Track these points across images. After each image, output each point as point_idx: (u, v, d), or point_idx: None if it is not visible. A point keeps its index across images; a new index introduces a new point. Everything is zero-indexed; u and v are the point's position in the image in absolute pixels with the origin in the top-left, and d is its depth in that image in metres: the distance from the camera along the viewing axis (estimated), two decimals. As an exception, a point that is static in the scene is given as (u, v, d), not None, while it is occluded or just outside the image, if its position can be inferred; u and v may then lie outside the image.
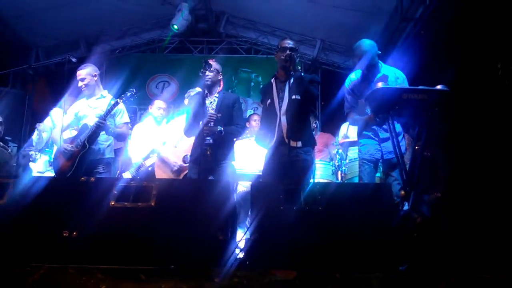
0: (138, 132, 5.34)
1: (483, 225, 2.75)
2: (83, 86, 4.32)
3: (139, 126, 5.45)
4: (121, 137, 4.48)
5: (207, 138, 3.87)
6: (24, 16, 6.82)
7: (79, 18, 7.10)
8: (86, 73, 4.33)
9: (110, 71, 8.00)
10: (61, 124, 4.30)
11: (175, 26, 7.31)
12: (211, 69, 3.99)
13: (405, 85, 3.83)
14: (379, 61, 3.95)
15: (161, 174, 4.93)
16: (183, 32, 7.65)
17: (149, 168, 5.08)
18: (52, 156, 4.73)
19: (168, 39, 8.30)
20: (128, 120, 4.52)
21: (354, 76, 4.02)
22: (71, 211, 2.60)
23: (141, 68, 8.27)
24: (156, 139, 5.18)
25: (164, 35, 8.40)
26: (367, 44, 3.88)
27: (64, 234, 2.50)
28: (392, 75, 3.87)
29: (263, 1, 7.33)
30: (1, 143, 4.68)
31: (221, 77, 4.17)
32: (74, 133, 4.33)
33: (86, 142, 4.13)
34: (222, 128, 3.89)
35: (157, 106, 5.46)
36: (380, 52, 3.93)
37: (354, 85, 3.97)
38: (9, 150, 4.79)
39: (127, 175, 5.05)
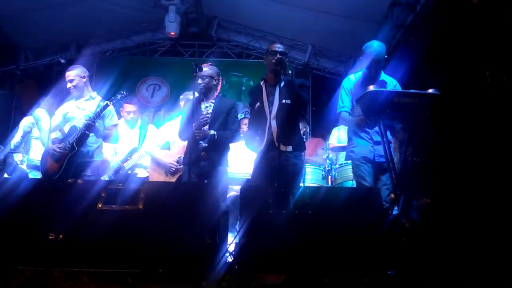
0: None
1: (472, 231, 2.76)
2: (72, 87, 4.29)
3: None
4: (110, 139, 4.43)
5: (201, 142, 3.86)
6: (14, 16, 6.75)
7: (69, 20, 7.05)
8: (75, 74, 4.30)
9: (100, 73, 7.93)
10: (49, 125, 4.26)
11: (172, 33, 7.28)
12: (203, 75, 3.98)
13: None
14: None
15: (157, 176, 4.91)
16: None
17: (129, 171, 5.05)
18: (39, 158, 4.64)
19: (160, 43, 8.26)
20: (118, 122, 4.49)
21: (353, 78, 4.00)
22: (57, 214, 2.57)
23: (132, 70, 8.23)
24: (131, 142, 5.16)
25: (155, 38, 8.38)
26: (377, 44, 3.85)
27: (50, 237, 2.47)
28: (390, 83, 3.89)
29: (255, 6, 7.34)
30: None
31: (217, 81, 4.12)
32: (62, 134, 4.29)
33: (74, 144, 4.08)
34: (216, 132, 3.88)
35: (126, 110, 5.41)
36: (386, 57, 3.91)
37: (354, 85, 3.94)
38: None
39: (105, 178, 5.00)
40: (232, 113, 4.09)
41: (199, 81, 3.96)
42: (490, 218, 2.98)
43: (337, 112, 4.01)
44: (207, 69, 4.06)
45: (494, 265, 2.45)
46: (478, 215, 3.05)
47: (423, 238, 2.66)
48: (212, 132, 3.87)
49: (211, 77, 4.06)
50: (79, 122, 4.20)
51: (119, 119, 5.48)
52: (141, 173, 5.17)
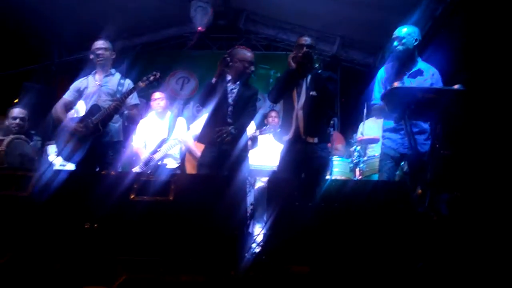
0: (143, 127, 5.41)
1: (503, 224, 2.73)
2: (101, 56, 4.23)
3: (143, 121, 5.52)
4: (131, 120, 4.39)
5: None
6: (47, 14, 6.95)
7: (99, 15, 7.17)
8: (108, 46, 4.29)
9: (130, 67, 8.09)
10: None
11: (200, 28, 7.38)
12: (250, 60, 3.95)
13: (439, 83, 3.69)
14: (418, 56, 3.80)
15: (190, 167, 5.00)
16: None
17: (159, 163, 5.13)
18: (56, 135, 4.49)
19: (188, 36, 8.33)
20: (138, 102, 4.42)
21: (387, 68, 3.90)
22: (93, 204, 2.67)
23: (161, 64, 8.28)
24: (160, 133, 5.23)
25: (184, 31, 8.46)
26: (403, 28, 3.73)
27: (86, 226, 2.57)
28: (428, 71, 3.73)
29: (283, -2, 7.33)
30: (23, 136, 4.76)
31: (252, 69, 4.01)
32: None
33: (99, 124, 3.99)
34: (235, 131, 3.83)
35: (153, 97, 5.48)
36: (419, 40, 3.73)
37: (386, 77, 3.83)
38: (31, 143, 4.88)
39: (136, 169, 5.11)
40: (252, 100, 4.04)
41: (241, 64, 3.91)
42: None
43: (371, 104, 3.96)
44: (247, 52, 4.02)
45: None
46: (507, 208, 3.00)
47: (451, 232, 2.64)
48: (231, 130, 3.80)
49: (253, 63, 4.00)
50: (100, 100, 4.13)
51: (149, 111, 5.59)
52: (171, 164, 5.27)
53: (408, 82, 3.67)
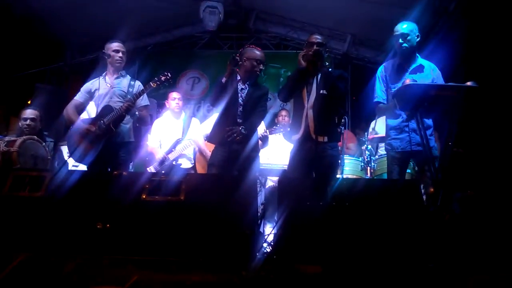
0: (158, 127, 5.44)
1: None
2: (120, 58, 4.29)
3: (158, 121, 5.54)
4: (142, 121, 4.42)
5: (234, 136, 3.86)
6: (58, 14, 7.01)
7: (111, 15, 7.23)
8: (125, 49, 4.34)
9: (141, 68, 8.13)
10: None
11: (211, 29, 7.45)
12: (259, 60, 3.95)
13: (440, 78, 3.72)
14: (417, 53, 3.80)
15: (201, 168, 5.02)
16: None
17: (173, 162, 5.16)
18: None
19: (199, 36, 8.34)
20: (148, 103, 4.47)
21: (387, 65, 3.91)
22: (104, 204, 2.69)
23: (172, 64, 8.34)
24: (175, 133, 5.28)
25: (194, 31, 8.49)
26: (402, 24, 3.72)
27: (98, 226, 2.59)
28: (428, 67, 3.75)
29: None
30: (35, 137, 4.81)
31: (261, 68, 4.01)
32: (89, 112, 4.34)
33: (111, 125, 4.03)
34: (245, 131, 3.86)
35: (172, 97, 5.50)
36: (419, 37, 3.73)
37: (387, 75, 3.84)
38: (44, 144, 4.92)
39: (151, 169, 5.15)
40: (263, 100, 4.06)
41: (249, 63, 3.93)
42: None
43: (374, 101, 3.95)
44: (257, 51, 4.01)
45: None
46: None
47: (464, 231, 2.62)
48: (242, 130, 3.84)
49: (262, 62, 4.00)
50: (111, 101, 4.18)
51: (166, 110, 5.62)
52: (185, 164, 5.30)
53: (410, 78, 3.67)
